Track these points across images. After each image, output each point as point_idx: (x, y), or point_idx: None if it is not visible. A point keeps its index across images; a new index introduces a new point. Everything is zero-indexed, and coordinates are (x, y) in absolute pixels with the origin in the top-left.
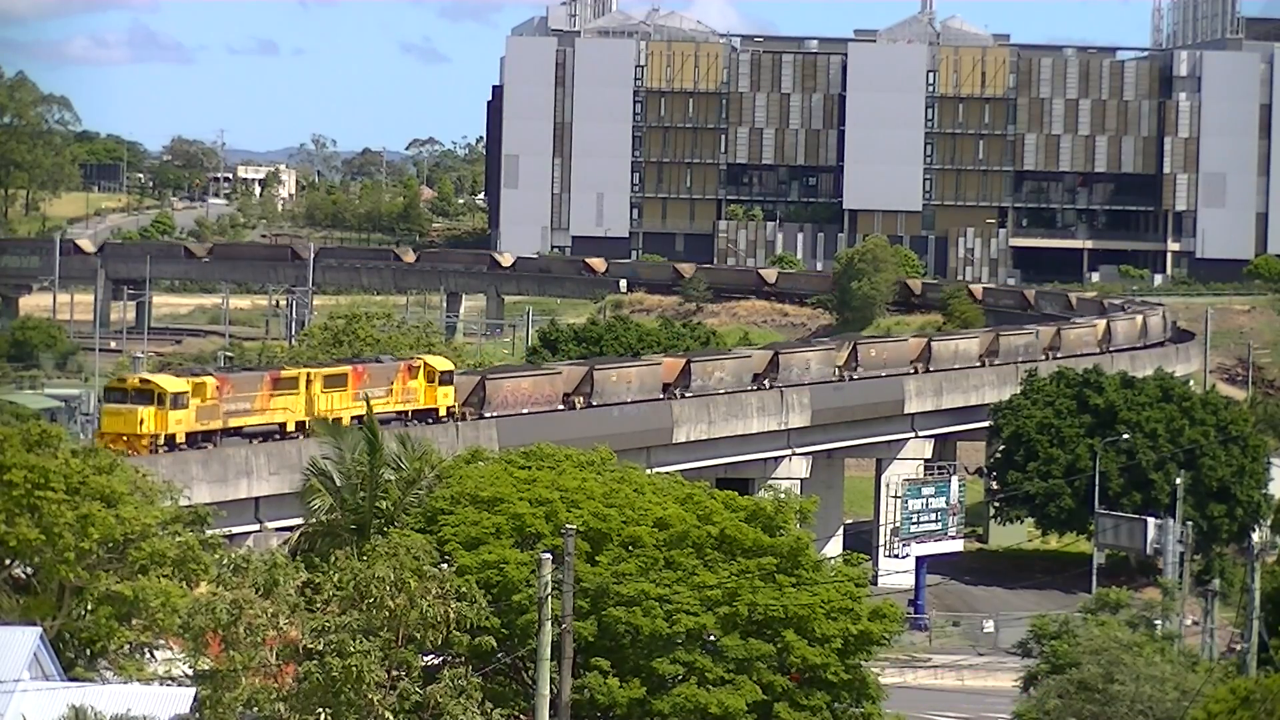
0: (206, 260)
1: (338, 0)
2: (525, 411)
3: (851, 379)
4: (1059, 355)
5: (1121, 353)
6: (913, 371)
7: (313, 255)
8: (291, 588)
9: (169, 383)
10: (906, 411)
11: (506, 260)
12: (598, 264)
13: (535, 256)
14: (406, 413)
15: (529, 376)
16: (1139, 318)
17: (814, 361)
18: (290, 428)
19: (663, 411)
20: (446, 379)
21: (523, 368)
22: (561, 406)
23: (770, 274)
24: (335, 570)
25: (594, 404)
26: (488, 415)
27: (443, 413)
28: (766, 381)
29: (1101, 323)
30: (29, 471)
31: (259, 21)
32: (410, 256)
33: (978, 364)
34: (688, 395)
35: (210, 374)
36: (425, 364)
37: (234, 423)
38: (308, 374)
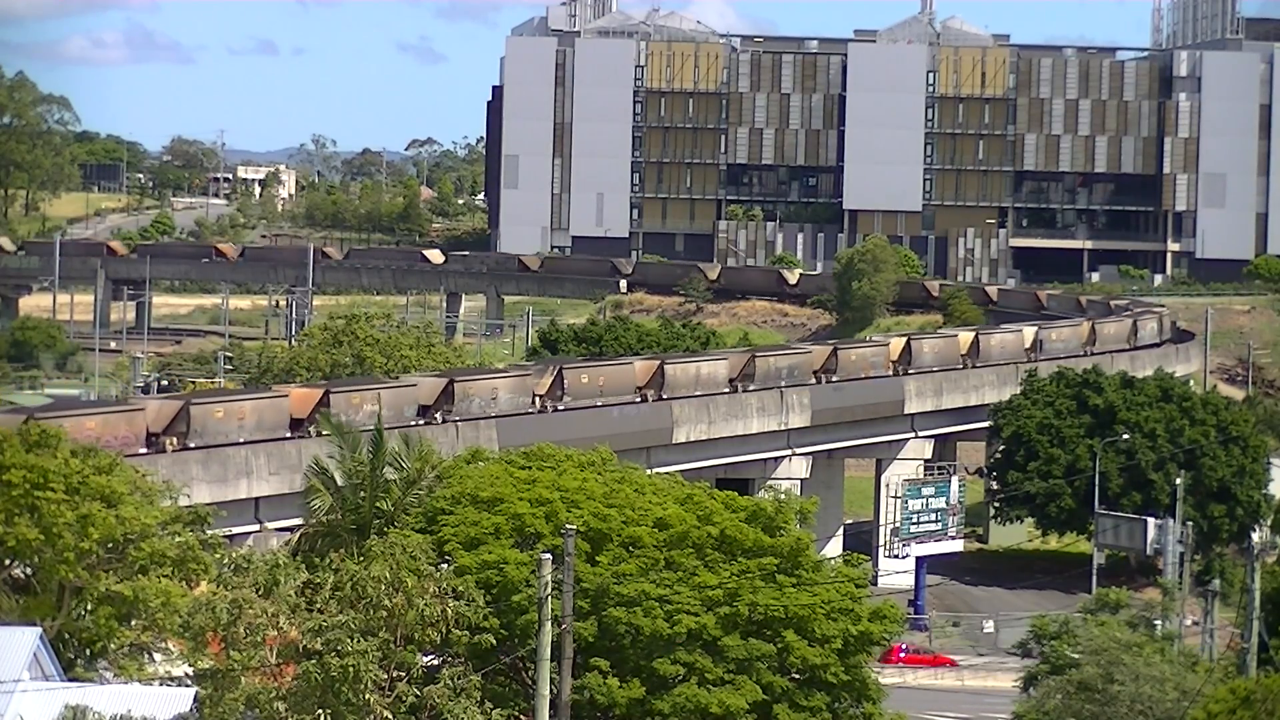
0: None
1: (337, 0)
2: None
3: (556, 410)
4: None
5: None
6: (640, 400)
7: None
8: (291, 588)
9: None
10: (906, 412)
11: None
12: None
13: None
14: None
15: (97, 414)
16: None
17: (502, 390)
18: None
19: (663, 412)
20: None
21: (96, 403)
22: (145, 450)
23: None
24: (333, 570)
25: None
26: None
27: None
28: (439, 415)
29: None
30: (28, 471)
31: (258, 21)
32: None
33: (726, 390)
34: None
35: None
36: None
37: None
38: None
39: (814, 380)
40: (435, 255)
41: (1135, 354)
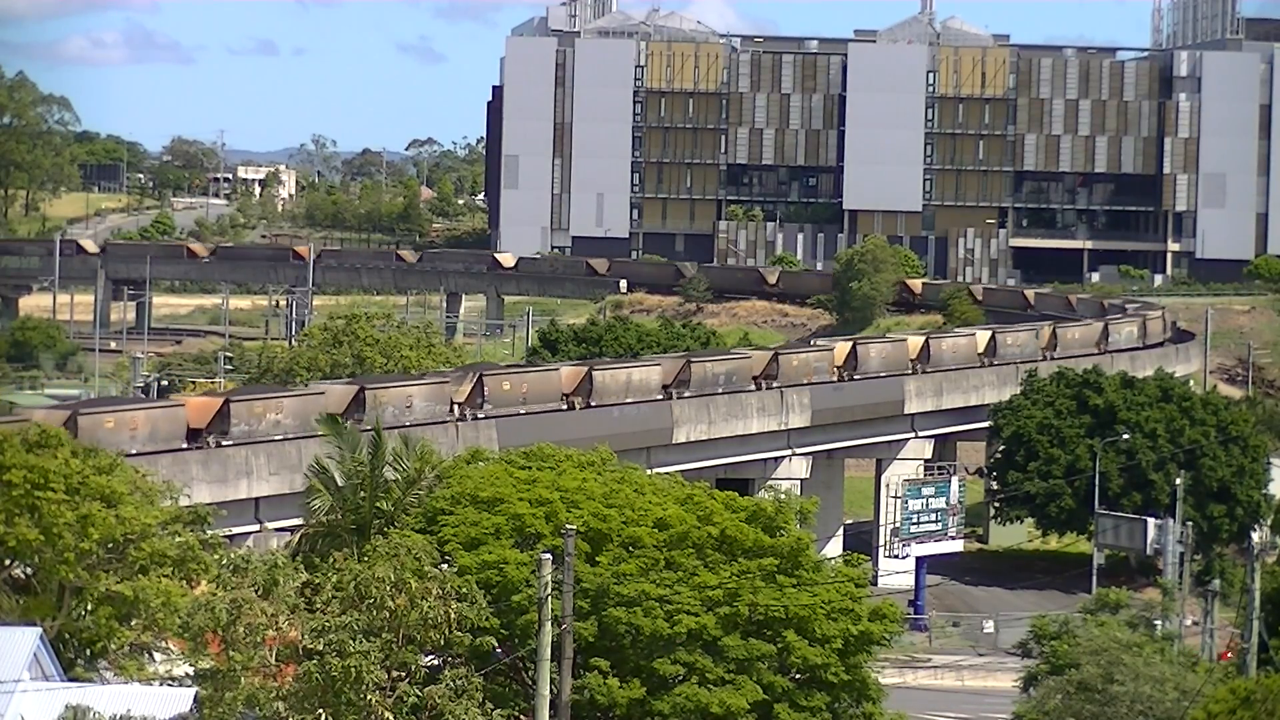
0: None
1: (337, 0)
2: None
3: (477, 418)
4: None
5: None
6: (569, 407)
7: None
8: (291, 588)
9: None
10: (906, 412)
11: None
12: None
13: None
14: None
15: None
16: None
17: (417, 397)
18: None
19: (663, 412)
20: None
21: None
22: None
23: None
24: (335, 571)
25: None
26: None
27: None
28: (351, 422)
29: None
30: (29, 472)
31: (258, 21)
32: (510, 260)
33: (659, 396)
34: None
35: None
36: None
37: None
38: None
39: (753, 386)
40: (507, 259)
41: (1136, 354)
